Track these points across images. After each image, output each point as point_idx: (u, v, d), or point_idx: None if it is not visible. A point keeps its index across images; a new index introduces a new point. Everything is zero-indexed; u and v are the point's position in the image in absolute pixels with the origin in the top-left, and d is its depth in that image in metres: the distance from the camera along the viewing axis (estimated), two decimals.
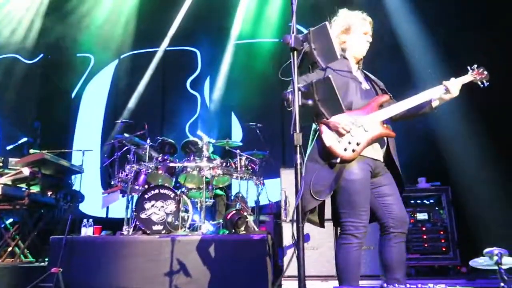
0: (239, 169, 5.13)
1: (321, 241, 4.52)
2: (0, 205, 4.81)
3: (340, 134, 2.45)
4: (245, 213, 4.69)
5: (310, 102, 2.19)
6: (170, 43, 8.25)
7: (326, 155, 2.47)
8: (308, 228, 3.72)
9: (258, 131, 5.77)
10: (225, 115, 7.83)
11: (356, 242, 2.43)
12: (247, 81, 7.56)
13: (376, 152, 2.54)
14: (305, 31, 2.26)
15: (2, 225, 5.36)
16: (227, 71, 7.86)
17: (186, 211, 4.75)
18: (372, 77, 2.78)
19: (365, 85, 2.66)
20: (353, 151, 2.44)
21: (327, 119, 2.35)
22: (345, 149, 2.44)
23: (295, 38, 2.18)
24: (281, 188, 4.82)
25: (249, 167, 5.23)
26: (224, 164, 5.07)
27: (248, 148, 5.63)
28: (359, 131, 2.47)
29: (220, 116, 7.80)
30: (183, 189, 5.19)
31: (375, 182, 2.54)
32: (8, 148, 8.35)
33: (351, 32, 2.68)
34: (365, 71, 2.80)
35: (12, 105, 8.77)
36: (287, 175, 4.82)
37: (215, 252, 4.11)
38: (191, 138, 5.83)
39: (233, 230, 4.57)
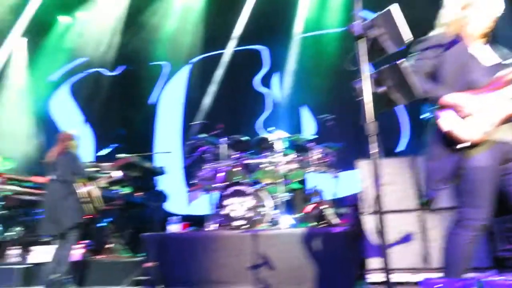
0: (314, 162, 5.13)
1: (408, 232, 4.37)
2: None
3: (462, 117, 2.23)
4: (324, 206, 4.69)
5: (382, 89, 2.14)
6: (237, 43, 8.48)
7: (447, 141, 2.27)
8: (394, 219, 3.63)
9: (331, 123, 5.71)
10: (296, 110, 7.86)
11: (471, 235, 2.23)
12: (316, 74, 7.52)
13: (507, 134, 2.27)
14: (371, 17, 2.21)
15: (102, 224, 5.95)
16: (295, 66, 7.88)
17: (265, 206, 4.87)
18: (504, 50, 2.47)
19: (488, 61, 2.38)
20: (478, 134, 2.19)
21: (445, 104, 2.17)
22: (468, 133, 2.21)
23: (359, 26, 2.14)
24: (358, 179, 4.74)
25: (324, 160, 5.20)
26: (299, 158, 5.10)
27: (322, 141, 5.60)
28: (485, 111, 2.21)
29: (291, 111, 7.85)
30: (261, 184, 5.32)
31: (509, 167, 2.27)
32: (100, 154, 9.19)
33: (471, 8, 2.40)
34: (493, 46, 2.48)
35: (100, 114, 9.63)
36: (364, 166, 4.72)
37: (296, 246, 4.18)
38: (264, 134, 5.94)
39: (313, 224, 4.59)
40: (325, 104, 7.05)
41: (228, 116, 8.24)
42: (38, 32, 9.70)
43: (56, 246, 4.40)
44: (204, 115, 8.27)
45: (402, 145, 7.26)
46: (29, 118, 10.28)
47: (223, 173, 5.38)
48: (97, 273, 4.85)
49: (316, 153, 5.17)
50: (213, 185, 5.37)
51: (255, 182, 5.49)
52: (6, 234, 6.72)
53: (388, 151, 5.01)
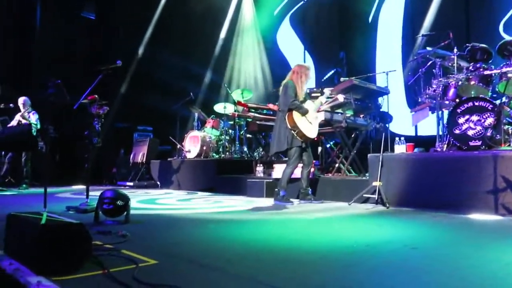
0: None
1: None
2: (324, 129, 5.63)
3: None
4: None
5: None
6: None
7: None
8: None
9: None
10: None
11: None
12: None
13: None
14: None
15: (328, 146, 6.34)
16: None
17: (509, 123, 4.13)
18: None
19: None
20: None
21: None
22: None
23: None
24: None
25: None
26: None
27: None
28: None
29: None
30: (503, 98, 4.49)
31: None
32: (323, 79, 9.58)
33: None
34: None
35: (319, 40, 9.89)
36: None
37: None
38: (508, 38, 4.88)
39: None
40: None
41: (459, 23, 7.11)
42: None
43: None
44: (429, 25, 7.38)
45: None
46: (259, 52, 11.50)
47: (455, 89, 4.78)
48: (327, 189, 5.27)
49: None
50: (443, 103, 4.86)
51: (496, 97, 4.68)
52: (253, 154, 8.04)
53: None
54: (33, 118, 7.25)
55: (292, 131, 4.84)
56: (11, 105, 7.04)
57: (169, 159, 8.42)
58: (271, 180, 5.85)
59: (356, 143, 5.80)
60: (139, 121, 9.90)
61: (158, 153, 8.96)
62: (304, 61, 10.27)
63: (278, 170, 6.05)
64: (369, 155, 5.00)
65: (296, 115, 4.86)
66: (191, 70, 10.37)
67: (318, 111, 5.15)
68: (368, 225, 3.53)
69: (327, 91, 5.22)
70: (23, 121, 7.11)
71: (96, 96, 4.43)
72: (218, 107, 8.38)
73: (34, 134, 7.20)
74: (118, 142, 9.39)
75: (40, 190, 5.05)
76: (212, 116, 8.50)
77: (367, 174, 5.11)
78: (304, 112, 4.88)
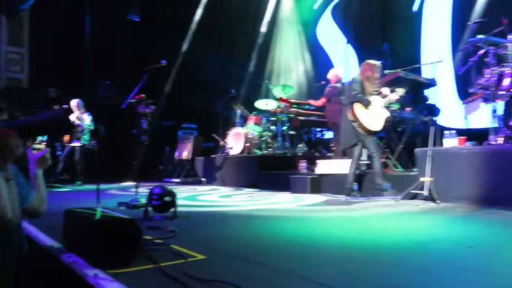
0: None
1: None
2: None
3: None
4: None
5: None
6: None
7: None
8: None
9: None
10: None
11: None
12: None
13: None
14: None
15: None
16: None
17: None
18: None
19: None
20: None
21: None
22: None
23: None
24: None
25: None
26: None
27: None
28: None
29: None
30: None
31: None
32: None
33: None
34: None
35: (362, 33, 9.64)
36: None
37: None
38: None
39: None
40: None
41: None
42: None
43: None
44: (480, 11, 6.98)
45: None
46: (300, 46, 11.40)
47: (511, 78, 4.49)
48: (373, 185, 5.13)
49: None
50: (497, 93, 4.59)
51: None
52: (295, 150, 8.00)
53: None
54: (87, 119, 7.61)
55: (353, 124, 4.83)
56: (64, 106, 7.42)
57: (212, 156, 8.56)
58: (315, 176, 5.79)
59: (402, 137, 5.61)
60: (183, 119, 10.13)
61: (202, 150, 9.13)
62: (346, 55, 10.08)
63: (322, 166, 5.99)
64: (416, 149, 4.82)
65: (357, 108, 4.85)
66: (232, 67, 10.47)
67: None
68: (418, 222, 3.41)
69: (400, 90, 5.04)
70: (78, 122, 7.48)
71: (143, 95, 4.57)
72: (260, 104, 8.41)
73: (87, 134, 7.57)
74: (164, 140, 9.67)
75: (93, 186, 5.31)
76: (254, 112, 8.54)
77: (414, 169, 4.93)
78: (366, 104, 4.85)
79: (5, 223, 1.28)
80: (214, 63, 9.91)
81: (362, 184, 5.20)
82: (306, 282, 1.74)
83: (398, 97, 5.04)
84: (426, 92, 5.97)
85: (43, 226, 2.76)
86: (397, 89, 5.03)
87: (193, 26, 10.77)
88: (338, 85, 6.92)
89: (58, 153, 7.89)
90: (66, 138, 7.57)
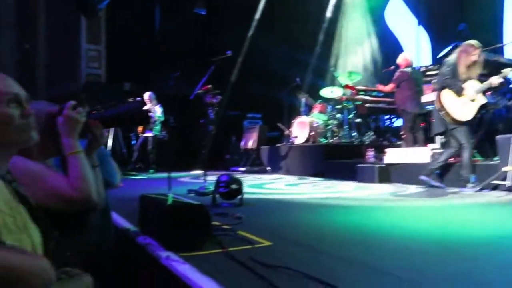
0: None
1: None
2: None
3: None
4: None
5: None
6: None
7: None
8: None
9: None
10: None
11: None
12: None
13: None
14: None
15: None
16: None
17: None
18: None
19: None
20: None
21: None
22: None
23: None
24: None
25: None
26: None
27: None
28: None
29: None
30: None
31: None
32: (440, 55, 8.74)
33: None
34: None
35: (435, 12, 9.03)
36: None
37: None
38: None
39: None
40: None
41: None
42: None
43: None
44: None
45: None
46: (367, 31, 10.96)
47: None
48: (449, 175, 4.82)
49: None
50: None
51: None
52: (363, 138, 7.76)
53: None
54: (159, 111, 8.00)
55: (440, 113, 4.46)
56: (138, 99, 7.86)
57: (277, 145, 8.59)
58: (383, 165, 5.57)
59: (482, 124, 5.18)
60: (249, 108, 10.25)
61: (267, 139, 9.19)
62: (417, 37, 9.51)
63: (391, 155, 5.73)
64: (498, 136, 4.44)
65: (446, 95, 4.41)
66: (296, 55, 10.35)
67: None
68: (501, 215, 3.15)
69: (507, 70, 4.42)
70: (150, 114, 7.91)
71: (210, 86, 4.69)
72: (325, 92, 8.24)
73: (158, 125, 7.96)
74: (230, 129, 9.87)
75: (164, 174, 5.60)
76: (319, 100, 8.39)
77: (495, 158, 4.55)
78: (457, 91, 4.35)
79: (92, 206, 1.41)
80: (279, 52, 9.87)
81: (444, 175, 4.84)
82: (370, 270, 1.70)
83: (502, 80, 4.40)
84: (510, 74, 5.46)
85: (121, 210, 2.96)
86: (502, 70, 4.40)
87: (257, 15, 10.78)
88: (408, 69, 6.55)
89: (132, 142, 8.40)
90: (140, 129, 8.03)
